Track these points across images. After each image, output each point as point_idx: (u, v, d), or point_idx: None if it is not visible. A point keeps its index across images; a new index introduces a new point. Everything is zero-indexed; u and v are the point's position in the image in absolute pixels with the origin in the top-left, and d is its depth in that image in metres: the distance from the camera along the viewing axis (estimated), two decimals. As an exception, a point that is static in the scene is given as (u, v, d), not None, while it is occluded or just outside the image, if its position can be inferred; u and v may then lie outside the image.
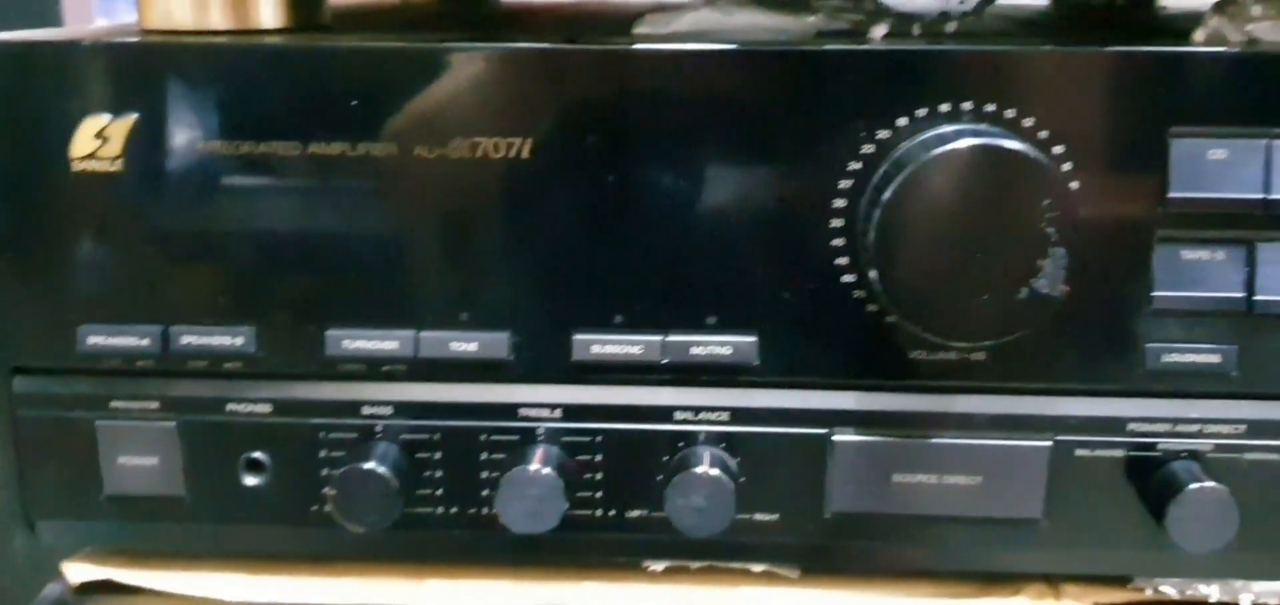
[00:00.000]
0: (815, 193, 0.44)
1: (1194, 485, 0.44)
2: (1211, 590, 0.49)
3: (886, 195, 0.41)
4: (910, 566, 0.51)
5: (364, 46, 0.44)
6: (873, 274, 0.42)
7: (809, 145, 0.44)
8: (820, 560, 0.50)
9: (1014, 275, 0.41)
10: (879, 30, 0.45)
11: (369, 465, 0.46)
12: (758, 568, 0.50)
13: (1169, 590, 0.49)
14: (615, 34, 0.45)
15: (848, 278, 0.45)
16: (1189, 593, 0.49)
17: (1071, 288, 0.42)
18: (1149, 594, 0.50)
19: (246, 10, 0.49)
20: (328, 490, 0.47)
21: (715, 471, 0.46)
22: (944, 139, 0.41)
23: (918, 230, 0.41)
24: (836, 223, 0.45)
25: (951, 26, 0.46)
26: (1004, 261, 0.41)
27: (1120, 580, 0.50)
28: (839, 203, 0.44)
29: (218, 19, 0.48)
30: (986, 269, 0.41)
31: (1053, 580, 0.51)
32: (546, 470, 0.46)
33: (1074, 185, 0.43)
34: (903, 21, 0.45)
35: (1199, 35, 0.45)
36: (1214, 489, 0.44)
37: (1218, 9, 0.45)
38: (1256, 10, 0.44)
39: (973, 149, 0.41)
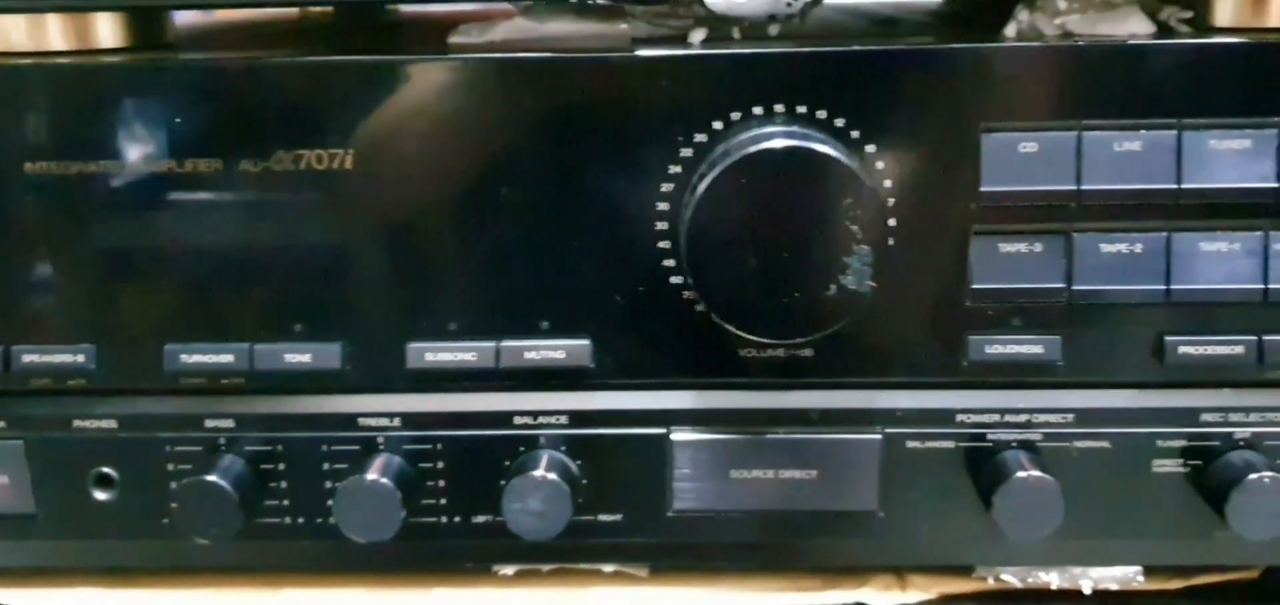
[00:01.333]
0: (640, 197, 0.45)
1: (1020, 474, 0.45)
2: (1052, 577, 0.50)
3: (694, 198, 0.42)
4: (757, 562, 0.51)
5: (179, 63, 0.45)
6: (685, 277, 0.43)
7: (631, 150, 0.44)
8: (668, 558, 0.51)
9: (821, 273, 0.42)
10: (697, 35, 0.45)
11: (210, 478, 0.47)
12: (608, 568, 0.51)
13: (1010, 578, 0.50)
14: (431, 43, 0.46)
15: (676, 279, 0.46)
16: (1030, 581, 0.50)
17: (882, 283, 0.42)
18: (991, 583, 0.50)
19: (86, 31, 0.49)
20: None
21: (551, 475, 0.46)
22: (749, 142, 0.42)
23: (725, 232, 0.42)
24: (661, 226, 0.45)
25: (774, 29, 0.47)
26: (810, 260, 0.42)
27: (964, 570, 0.51)
28: (662, 206, 0.45)
29: (56, 40, 0.49)
30: (794, 268, 0.42)
31: (899, 571, 0.51)
32: (382, 479, 0.46)
33: (886, 183, 0.44)
34: (722, 25, 0.46)
35: (1010, 30, 0.45)
36: (1038, 478, 0.45)
37: (1028, 4, 0.45)
38: (1063, 4, 0.45)
39: (772, 151, 0.41)
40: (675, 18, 0.47)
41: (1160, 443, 0.47)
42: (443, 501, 0.49)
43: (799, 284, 0.42)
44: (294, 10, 0.68)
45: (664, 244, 0.45)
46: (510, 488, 0.46)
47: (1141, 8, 0.46)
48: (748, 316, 0.43)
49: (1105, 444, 0.47)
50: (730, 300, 0.43)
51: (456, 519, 0.49)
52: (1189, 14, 0.47)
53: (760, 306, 0.42)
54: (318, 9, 0.68)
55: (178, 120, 0.45)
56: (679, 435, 0.48)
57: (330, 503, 0.48)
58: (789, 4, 0.47)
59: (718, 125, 0.44)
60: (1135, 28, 0.45)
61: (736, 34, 0.46)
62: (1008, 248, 0.45)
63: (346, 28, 0.66)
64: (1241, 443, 0.47)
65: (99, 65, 0.46)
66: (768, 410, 0.47)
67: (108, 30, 0.49)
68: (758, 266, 0.42)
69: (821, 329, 0.43)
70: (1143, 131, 0.43)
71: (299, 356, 0.47)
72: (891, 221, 0.44)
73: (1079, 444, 0.47)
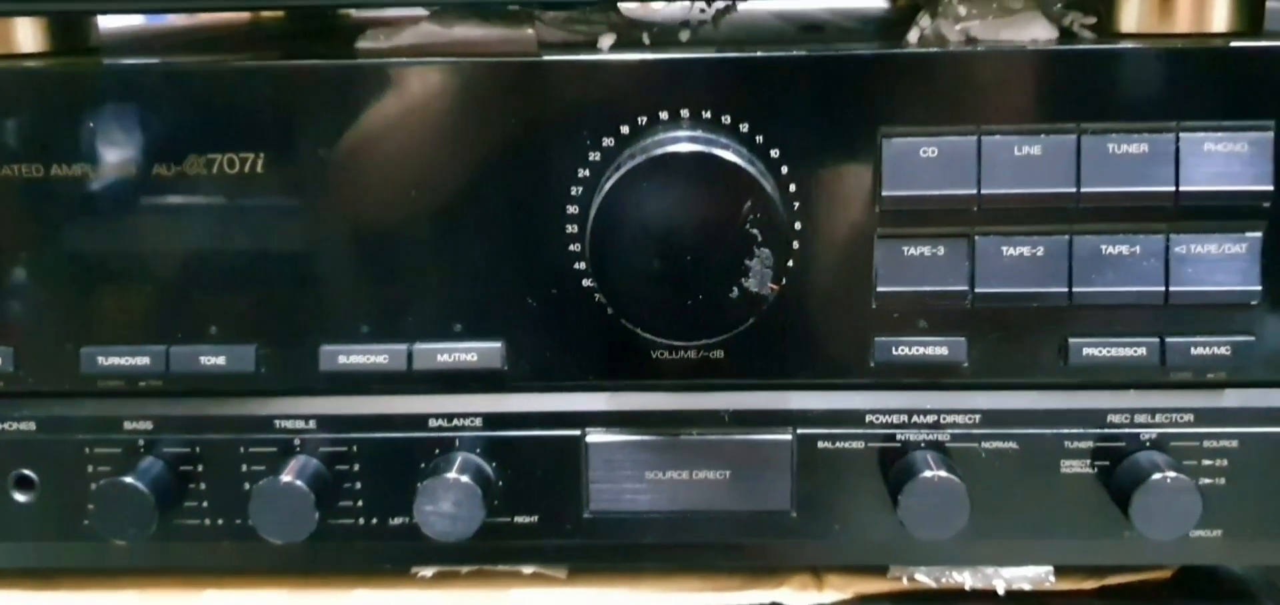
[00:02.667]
0: (550, 201, 0.45)
1: (924, 474, 0.46)
2: (965, 577, 0.50)
3: (597, 202, 0.42)
4: (675, 563, 0.52)
5: (93, 67, 0.45)
6: (592, 280, 0.43)
7: (540, 154, 0.45)
8: (586, 560, 0.51)
9: (723, 275, 0.42)
10: (606, 41, 0.46)
11: (126, 479, 0.47)
12: (527, 569, 0.51)
13: (924, 578, 0.51)
14: (340, 48, 0.46)
15: (588, 282, 0.46)
16: (944, 581, 0.51)
17: (787, 286, 0.43)
18: (906, 583, 0.51)
19: (7, 35, 0.49)
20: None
21: (463, 477, 0.46)
22: (652, 145, 0.42)
23: (629, 233, 0.42)
24: (572, 229, 0.46)
25: (684, 35, 0.47)
26: (712, 262, 0.42)
27: (880, 570, 0.51)
28: (573, 209, 0.45)
29: (-24, 44, 0.49)
30: (696, 269, 0.42)
31: (817, 571, 0.52)
32: (296, 481, 0.46)
33: (791, 186, 0.44)
34: (632, 31, 0.46)
35: (912, 36, 0.46)
36: (942, 478, 0.45)
37: (930, 9, 0.46)
38: (962, 10, 0.45)
39: (674, 155, 0.42)
40: (585, 23, 0.48)
41: (1068, 443, 0.47)
42: (360, 503, 0.49)
43: (701, 285, 0.42)
44: (245, 16, 0.69)
45: (575, 247, 0.46)
46: (422, 490, 0.46)
47: (1045, 14, 0.47)
48: (652, 317, 0.43)
49: (1013, 445, 0.48)
50: (634, 301, 0.43)
51: (374, 521, 0.49)
52: (1092, 20, 0.48)
53: (664, 308, 0.43)
54: (269, 14, 0.69)
55: (92, 124, 0.45)
56: (594, 437, 0.48)
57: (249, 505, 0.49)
58: (702, 10, 0.47)
59: (625, 130, 0.44)
60: (1038, 34, 0.46)
61: (646, 40, 0.47)
62: (911, 250, 0.45)
63: (297, 33, 0.66)
64: (1147, 443, 0.47)
65: (16, 70, 0.47)
66: (681, 412, 0.48)
67: (27, 35, 0.50)
68: (661, 268, 0.42)
69: (725, 331, 0.43)
70: (1042, 136, 0.44)
71: (214, 359, 0.47)
72: (797, 225, 0.45)
73: (987, 445, 0.48)
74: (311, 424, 0.48)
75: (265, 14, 0.69)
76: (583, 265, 0.46)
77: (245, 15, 0.69)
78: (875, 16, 0.65)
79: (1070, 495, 0.48)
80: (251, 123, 0.45)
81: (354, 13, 0.68)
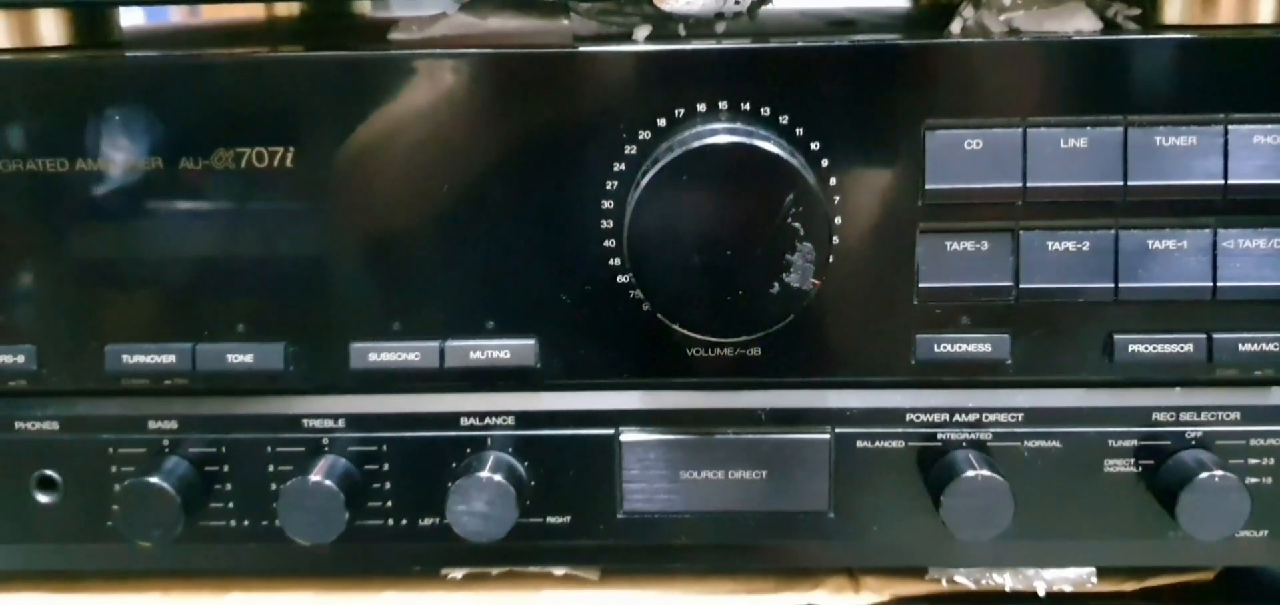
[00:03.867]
0: (585, 195, 0.44)
1: (967, 473, 0.45)
2: (1005, 579, 0.50)
3: (636, 195, 0.41)
4: (709, 564, 0.51)
5: (120, 61, 0.45)
6: (627, 276, 0.42)
7: (575, 148, 0.44)
8: (618, 561, 0.50)
9: (763, 270, 0.41)
10: (642, 32, 0.45)
11: (151, 480, 0.46)
12: (558, 571, 0.51)
13: (964, 580, 0.50)
14: (371, 40, 0.45)
15: (623, 278, 0.45)
16: (984, 582, 0.50)
17: (827, 281, 0.42)
18: (945, 585, 0.50)
19: (29, 28, 0.49)
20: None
21: (496, 476, 0.46)
22: (691, 138, 0.41)
23: (667, 228, 0.41)
24: (607, 224, 0.45)
25: (721, 27, 0.46)
26: (753, 257, 0.41)
27: (918, 571, 0.50)
28: (608, 204, 0.44)
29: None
30: (736, 265, 0.41)
31: (853, 573, 0.51)
32: (325, 481, 0.46)
33: (831, 180, 0.43)
34: (668, 23, 0.46)
35: (955, 27, 0.45)
36: (986, 477, 0.44)
37: (974, 1, 0.45)
38: (1008, 0, 0.44)
39: (714, 147, 0.41)
40: (620, 15, 0.47)
41: (1111, 442, 0.47)
42: (389, 504, 0.48)
43: (741, 281, 0.41)
44: (261, 11, 0.68)
45: (610, 243, 0.45)
46: (454, 489, 0.45)
47: (1089, 4, 0.46)
48: (690, 314, 0.43)
49: (1056, 444, 0.47)
50: (673, 297, 0.42)
51: (403, 522, 0.48)
52: (1136, 11, 0.47)
53: (703, 304, 0.42)
54: (283, 7, 0.68)
55: (118, 118, 0.44)
56: (628, 436, 0.47)
57: (276, 505, 0.48)
58: (737, 2, 0.47)
59: (662, 122, 0.43)
60: (1081, 24, 0.45)
61: (682, 31, 0.46)
62: (954, 245, 0.44)
63: (315, 28, 0.66)
64: (1193, 442, 0.46)
65: (40, 63, 0.46)
66: (717, 410, 0.47)
67: (51, 28, 0.49)
68: (700, 263, 0.41)
69: (765, 327, 0.42)
70: (1088, 128, 0.43)
71: (241, 357, 0.46)
72: (837, 219, 0.44)
73: (1029, 444, 0.47)
74: (341, 423, 0.47)
75: (280, 11, 0.68)
76: (618, 261, 0.45)
77: (261, 13, 0.68)
78: (900, 13, 0.64)
79: (1114, 495, 0.47)
80: (281, 116, 0.44)
81: (376, 11, 0.67)
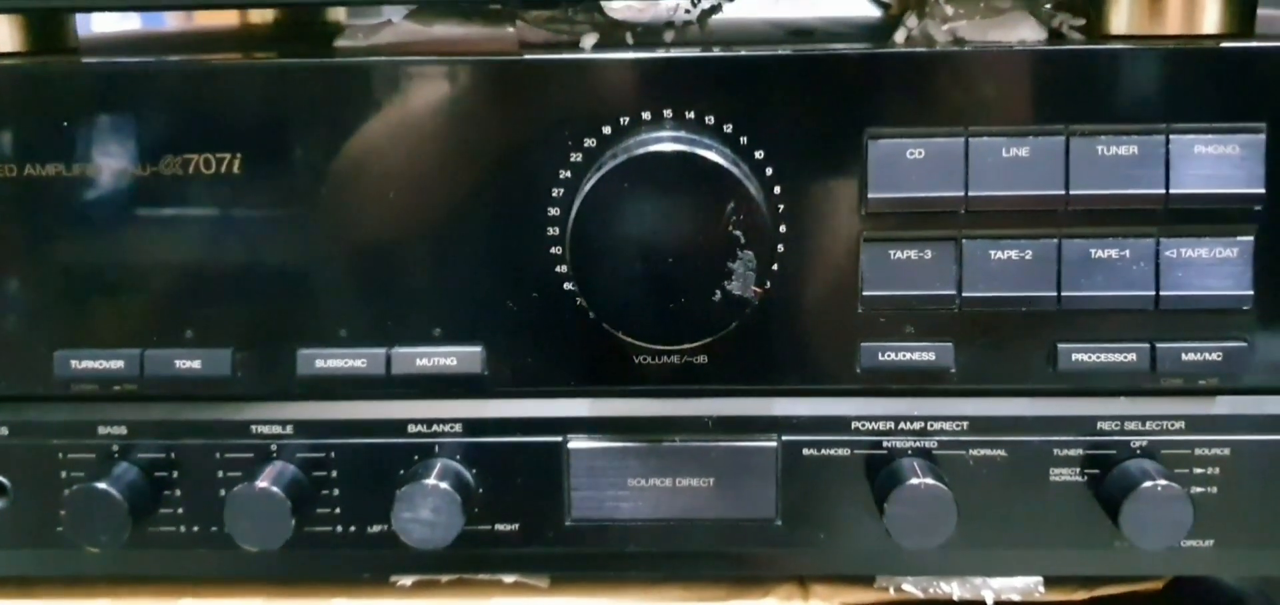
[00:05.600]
0: (531, 203, 0.45)
1: (910, 481, 0.45)
2: (953, 588, 0.50)
3: (578, 203, 0.42)
4: (659, 572, 0.51)
5: (68, 67, 0.45)
6: (569, 284, 0.43)
7: (521, 155, 0.44)
8: (568, 568, 0.50)
9: (705, 278, 0.42)
10: (589, 40, 0.45)
11: (98, 485, 0.46)
12: (508, 578, 0.51)
13: (912, 589, 0.50)
14: (316, 46, 0.46)
15: (569, 285, 0.45)
16: (932, 591, 0.50)
17: (772, 289, 0.43)
18: (893, 593, 0.50)
19: (-16, 34, 0.49)
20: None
21: (442, 483, 0.46)
22: (633, 145, 0.42)
23: (610, 235, 0.42)
24: (553, 231, 0.45)
25: (669, 35, 0.47)
26: (694, 265, 0.41)
27: (866, 580, 0.50)
28: (553, 211, 0.45)
29: (-48, 44, 0.49)
30: (679, 273, 0.42)
31: (803, 581, 0.51)
32: (271, 487, 0.46)
33: (776, 189, 0.44)
34: (616, 31, 0.46)
35: (899, 36, 0.45)
36: (928, 485, 0.45)
37: (918, 10, 0.45)
38: (950, 10, 0.45)
39: (655, 155, 0.41)
40: (568, 23, 0.47)
41: (1057, 451, 0.47)
42: (338, 510, 0.48)
43: (683, 289, 0.42)
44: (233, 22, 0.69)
45: (556, 250, 0.45)
46: (400, 496, 0.45)
47: (1033, 15, 0.46)
48: (633, 321, 0.43)
49: (1001, 452, 0.47)
50: (615, 305, 0.43)
51: (352, 528, 0.48)
52: (1081, 21, 0.48)
53: (645, 311, 0.42)
54: (256, 20, 0.68)
55: (67, 124, 0.44)
56: (576, 443, 0.47)
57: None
58: (687, 11, 0.47)
59: (607, 130, 0.43)
60: (1026, 34, 0.45)
61: (629, 39, 0.46)
62: (898, 254, 0.45)
63: (277, 35, 0.66)
64: (1138, 451, 0.46)
65: (-9, 69, 0.46)
66: (664, 418, 0.47)
67: (4, 34, 0.49)
68: (642, 271, 0.42)
69: (708, 335, 0.43)
70: (1030, 138, 0.43)
71: (190, 363, 0.46)
72: (782, 228, 0.44)
73: (975, 452, 0.47)
74: (289, 429, 0.47)
75: (254, 19, 0.68)
76: (564, 268, 0.45)
77: (233, 21, 0.68)
78: (867, 22, 0.64)
79: (1060, 504, 0.47)
80: (227, 122, 0.44)
81: (340, 15, 0.67)
